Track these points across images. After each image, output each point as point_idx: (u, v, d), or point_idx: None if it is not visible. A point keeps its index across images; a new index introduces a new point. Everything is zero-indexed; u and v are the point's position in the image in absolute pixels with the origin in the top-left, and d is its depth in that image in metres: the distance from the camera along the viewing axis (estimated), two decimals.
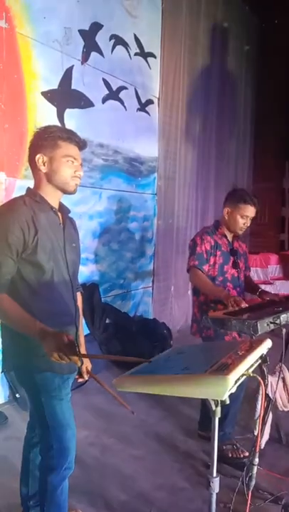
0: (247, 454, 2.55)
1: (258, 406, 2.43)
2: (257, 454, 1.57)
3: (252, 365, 1.43)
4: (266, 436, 2.53)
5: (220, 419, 2.59)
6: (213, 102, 6.01)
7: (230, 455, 2.57)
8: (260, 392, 2.43)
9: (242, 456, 2.56)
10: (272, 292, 2.89)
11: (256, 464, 1.59)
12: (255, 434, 2.44)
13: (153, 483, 2.41)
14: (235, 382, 1.27)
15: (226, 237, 2.68)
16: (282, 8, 6.60)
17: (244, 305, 2.30)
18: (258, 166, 7.57)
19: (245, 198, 2.59)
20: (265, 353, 1.57)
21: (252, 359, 1.37)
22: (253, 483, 1.62)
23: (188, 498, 2.30)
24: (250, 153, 7.48)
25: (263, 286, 5.73)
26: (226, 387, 1.17)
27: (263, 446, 2.54)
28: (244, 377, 1.34)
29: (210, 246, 2.61)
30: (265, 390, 2.42)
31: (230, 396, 2.22)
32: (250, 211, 2.60)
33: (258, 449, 1.56)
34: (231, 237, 2.72)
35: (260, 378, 1.34)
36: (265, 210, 7.66)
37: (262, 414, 1.44)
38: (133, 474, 2.49)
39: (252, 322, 2.03)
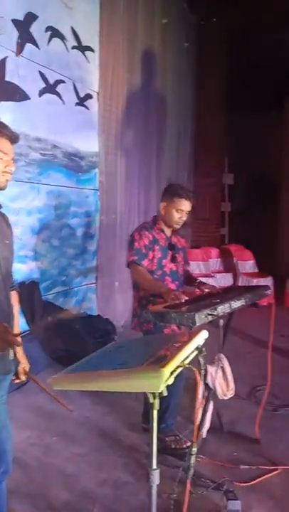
0: (189, 444, 2.59)
1: (198, 397, 2.49)
2: (194, 444, 1.61)
3: (188, 357, 1.46)
4: (207, 425, 2.59)
5: (161, 411, 2.64)
6: (153, 97, 6.05)
7: (172, 446, 2.61)
8: (200, 383, 2.49)
9: (184, 446, 2.61)
10: (212, 284, 2.96)
11: (194, 453, 1.63)
12: (197, 424, 2.50)
13: (97, 480, 2.40)
14: (172, 373, 1.28)
15: (163, 232, 2.71)
16: (220, 6, 6.76)
17: (184, 299, 2.34)
18: (199, 162, 7.73)
19: (179, 193, 2.63)
20: (201, 344, 1.60)
21: (188, 350, 1.40)
22: (192, 472, 1.66)
23: (132, 491, 2.31)
24: (191, 149, 7.60)
25: (204, 280, 5.88)
26: (161, 380, 1.18)
27: (204, 435, 2.60)
28: (180, 368, 1.36)
29: (148, 241, 2.63)
30: (205, 380, 2.49)
31: (171, 388, 2.25)
32: (185, 205, 2.63)
33: (195, 439, 1.59)
34: (170, 231, 2.75)
35: (195, 369, 1.37)
36: (206, 205, 7.85)
37: (197, 405, 1.47)
38: (76, 472, 2.46)
39: (190, 314, 2.08)
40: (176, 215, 2.64)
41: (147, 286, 2.61)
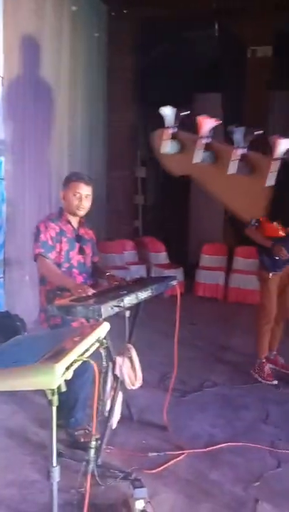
0: (99, 436, 2.59)
1: (107, 388, 2.49)
2: (94, 437, 1.60)
3: (88, 350, 1.43)
4: (117, 416, 2.61)
5: (70, 406, 2.61)
6: (64, 86, 5.88)
7: (82, 440, 2.59)
8: (108, 374, 2.50)
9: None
10: (121, 277, 2.97)
11: (93, 447, 1.62)
12: (106, 415, 2.50)
13: (2, 481, 2.31)
14: (68, 368, 1.25)
15: (70, 223, 2.67)
16: None
17: (91, 292, 2.33)
18: (112, 154, 7.70)
19: (76, 175, 2.66)
20: (103, 336, 1.59)
21: (86, 344, 1.37)
22: (92, 466, 1.65)
23: (39, 490, 2.25)
24: (104, 141, 7.54)
25: (119, 271, 5.89)
26: (54, 376, 1.15)
27: (114, 426, 2.61)
28: (78, 362, 1.34)
29: (55, 233, 2.57)
30: (113, 371, 2.50)
31: (77, 381, 2.22)
32: (81, 187, 2.62)
33: (94, 431, 1.58)
34: (77, 223, 2.71)
35: (93, 362, 1.35)
36: (119, 198, 7.87)
37: (96, 398, 1.46)
38: None
39: (96, 307, 2.07)
40: (74, 200, 2.62)
41: (54, 279, 2.56)
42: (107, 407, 2.48)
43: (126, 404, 2.84)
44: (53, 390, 1.29)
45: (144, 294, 2.44)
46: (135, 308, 2.76)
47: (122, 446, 2.63)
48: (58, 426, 2.66)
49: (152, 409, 3.03)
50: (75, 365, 1.30)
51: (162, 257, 7.19)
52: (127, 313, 2.30)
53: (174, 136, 0.89)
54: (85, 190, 2.62)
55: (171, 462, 2.48)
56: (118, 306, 2.19)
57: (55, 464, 1.41)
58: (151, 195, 8.60)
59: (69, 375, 1.28)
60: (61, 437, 2.64)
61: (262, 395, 3.38)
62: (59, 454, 2.40)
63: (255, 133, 0.91)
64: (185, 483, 2.34)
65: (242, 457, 2.58)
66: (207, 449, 2.63)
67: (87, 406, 2.76)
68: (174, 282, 2.81)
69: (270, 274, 3.60)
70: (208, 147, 0.89)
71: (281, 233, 3.62)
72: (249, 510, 2.15)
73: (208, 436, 2.79)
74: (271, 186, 0.88)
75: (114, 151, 7.66)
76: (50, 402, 1.35)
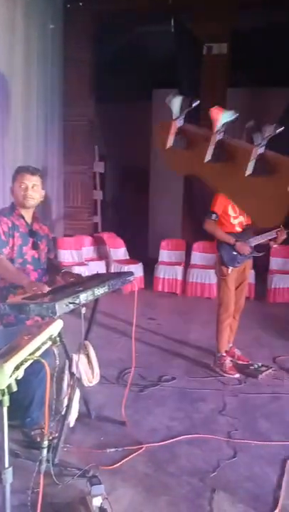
0: (56, 435, 2.56)
1: (64, 386, 2.46)
2: (45, 437, 1.58)
3: (39, 348, 1.40)
4: (74, 414, 2.58)
5: (26, 405, 2.56)
6: (17, 77, 5.72)
7: (38, 439, 2.54)
8: (65, 372, 2.46)
9: (51, 438, 2.55)
10: (78, 273, 2.93)
11: (45, 446, 1.60)
12: (62, 414, 2.47)
13: None
14: (18, 367, 1.22)
15: (23, 218, 2.61)
16: None
17: (46, 289, 2.28)
18: (69, 149, 7.59)
19: (20, 168, 2.63)
20: (56, 334, 1.56)
21: (37, 342, 1.34)
22: (45, 465, 1.62)
23: None
24: (59, 136, 7.41)
25: (77, 268, 5.80)
26: (3, 376, 1.11)
27: (72, 424, 2.58)
28: (29, 361, 1.30)
29: (7, 227, 2.51)
30: (70, 369, 2.46)
31: (33, 380, 2.18)
32: (26, 178, 2.58)
33: (46, 431, 1.56)
34: (30, 218, 2.65)
35: (44, 361, 1.32)
36: (77, 193, 7.78)
37: (47, 397, 1.43)
38: None
39: (50, 304, 2.03)
40: (20, 191, 2.57)
41: (8, 276, 2.49)
42: (64, 405, 2.45)
43: (84, 401, 2.81)
44: (3, 390, 1.26)
45: (100, 290, 2.41)
46: (93, 304, 2.74)
47: (80, 444, 2.61)
48: (12, 426, 2.65)
49: (110, 406, 3.02)
50: (26, 364, 1.27)
51: (121, 252, 7.17)
52: (83, 310, 2.27)
53: (180, 131, 0.81)
54: (31, 180, 2.57)
55: (130, 457, 2.48)
56: (73, 303, 2.16)
57: (7, 465, 1.38)
58: (109, 190, 8.56)
59: (20, 374, 1.25)
60: (18, 438, 2.59)
61: (219, 387, 3.45)
62: (15, 455, 2.39)
63: (277, 130, 0.84)
64: (143, 477, 2.35)
65: (199, 449, 2.62)
66: (165, 442, 2.66)
67: (44, 405, 2.72)
68: (131, 278, 2.80)
69: (230, 269, 3.66)
70: (220, 144, 0.81)
71: (238, 229, 3.71)
72: (206, 500, 2.19)
73: (166, 430, 2.81)
74: None
75: (72, 146, 7.55)
76: (0, 403, 1.31)
